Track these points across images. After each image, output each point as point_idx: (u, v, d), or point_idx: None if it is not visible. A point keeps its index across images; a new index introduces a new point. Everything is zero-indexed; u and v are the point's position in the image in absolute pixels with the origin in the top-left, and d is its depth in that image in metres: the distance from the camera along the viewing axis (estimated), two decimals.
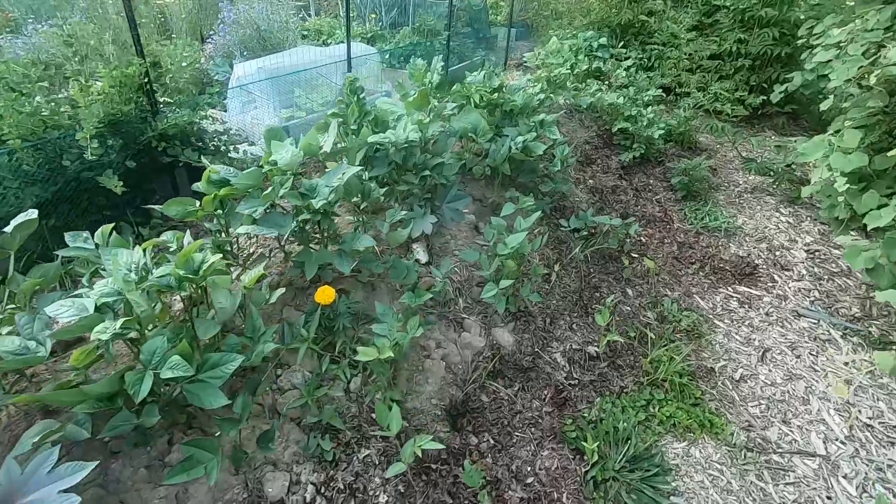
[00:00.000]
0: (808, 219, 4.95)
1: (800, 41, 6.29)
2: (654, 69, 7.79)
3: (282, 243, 2.56)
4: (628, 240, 3.67)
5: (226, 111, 5.42)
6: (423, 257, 2.85)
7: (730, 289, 3.80)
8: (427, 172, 2.86)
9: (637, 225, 3.75)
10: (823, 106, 4.51)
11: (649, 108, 5.09)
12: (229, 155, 4.62)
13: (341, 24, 8.74)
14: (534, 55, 6.18)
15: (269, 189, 2.18)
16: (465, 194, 3.07)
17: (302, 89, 5.72)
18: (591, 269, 3.58)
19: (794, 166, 5.41)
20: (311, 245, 2.41)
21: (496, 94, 3.76)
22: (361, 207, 2.78)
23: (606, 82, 6.42)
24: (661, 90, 7.63)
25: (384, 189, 2.71)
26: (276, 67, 5.43)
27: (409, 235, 2.67)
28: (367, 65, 6.84)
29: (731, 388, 2.98)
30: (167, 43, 5.51)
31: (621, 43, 8.67)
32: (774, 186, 5.26)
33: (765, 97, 6.84)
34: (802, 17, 6.62)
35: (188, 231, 2.22)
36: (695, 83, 6.71)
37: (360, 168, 2.46)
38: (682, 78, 7.24)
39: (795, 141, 5.74)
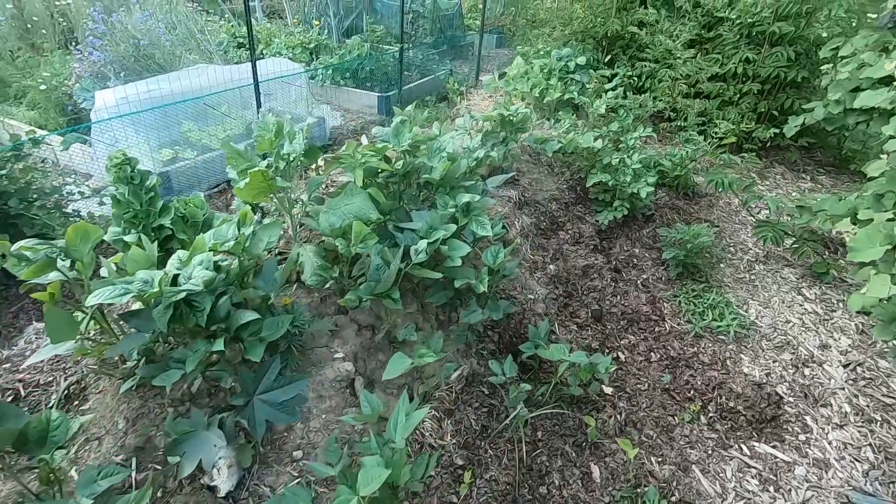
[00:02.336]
0: (840, 305, 3.77)
1: (822, 66, 5.12)
2: (645, 90, 6.60)
3: None
4: (596, 381, 2.46)
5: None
6: (225, 483, 1.62)
7: (745, 448, 2.60)
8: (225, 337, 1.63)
9: (611, 359, 2.52)
10: (873, 170, 3.31)
11: (635, 156, 3.88)
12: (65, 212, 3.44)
13: (282, 31, 7.47)
14: (492, 81, 4.97)
15: None
16: (302, 375, 1.83)
17: (195, 122, 4.47)
18: (539, 437, 2.36)
19: (819, 230, 4.22)
20: None
21: (401, 161, 2.53)
22: None
23: (588, 111, 5.20)
24: (651, 125, 6.47)
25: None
26: (152, 96, 4.18)
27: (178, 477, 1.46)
28: (295, 85, 5.59)
29: None
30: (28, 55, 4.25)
31: (608, 57, 7.49)
32: (794, 256, 4.07)
33: (777, 130, 5.67)
34: (824, 34, 5.45)
35: None
36: (694, 112, 5.51)
37: None
38: (677, 103, 6.05)
39: (817, 198, 4.54)
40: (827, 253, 4.33)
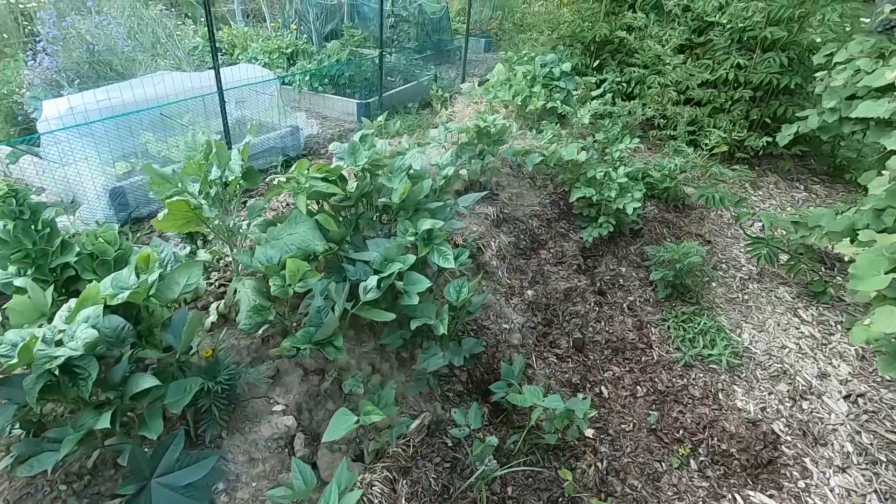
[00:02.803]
0: (839, 328, 3.54)
1: (817, 73, 4.92)
2: (634, 96, 6.39)
3: None
4: (573, 425, 2.20)
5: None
6: None
7: (739, 498, 2.35)
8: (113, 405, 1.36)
9: (591, 400, 2.27)
10: (875, 187, 3.09)
11: (621, 169, 3.64)
12: None
13: (260, 35, 7.20)
14: (472, 88, 4.73)
15: None
16: (211, 451, 1.56)
17: (156, 132, 4.19)
18: (510, 493, 2.10)
19: (815, 247, 4.01)
20: None
21: (357, 182, 2.28)
22: None
23: (572, 120, 4.96)
24: (640, 133, 6.26)
25: None
26: (107, 105, 3.89)
27: None
28: (266, 94, 5.33)
29: None
30: None
31: (596, 62, 7.29)
32: (789, 273, 3.84)
33: (769, 139, 5.47)
34: (818, 39, 5.26)
35: None
36: (684, 120, 5.29)
37: None
38: (667, 110, 5.83)
39: (811, 211, 4.29)
40: (823, 269, 4.11)
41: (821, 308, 3.71)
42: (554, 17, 7.36)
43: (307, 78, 6.39)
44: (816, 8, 5.10)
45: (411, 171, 2.46)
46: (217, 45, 7.52)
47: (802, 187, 5.92)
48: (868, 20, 7.66)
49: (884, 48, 4.31)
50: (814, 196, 5.73)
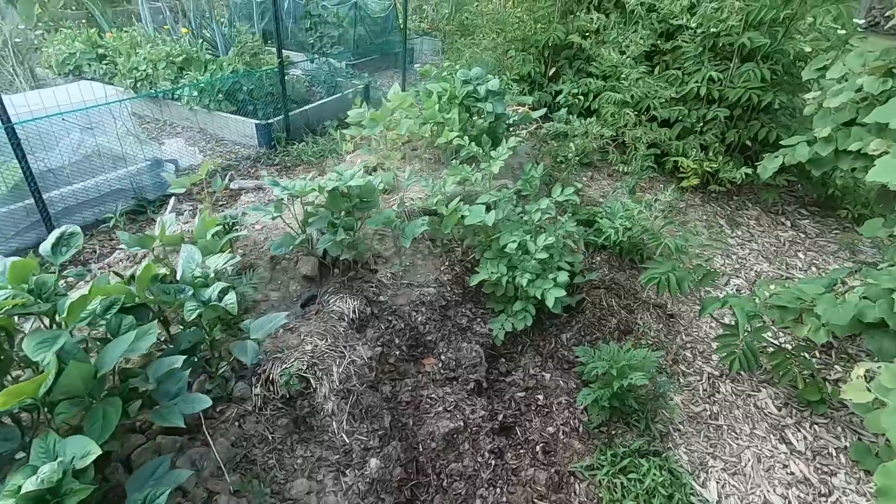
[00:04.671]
0: (843, 460, 2.54)
1: (809, 95, 3.90)
2: (594, 112, 5.37)
3: None
4: None
5: None
6: None
7: None
8: None
9: None
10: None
11: (542, 238, 2.59)
12: None
13: (148, 41, 6.01)
14: (360, 116, 3.62)
15: None
16: None
17: None
18: None
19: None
20: None
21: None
22: None
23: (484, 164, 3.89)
24: (598, 158, 5.27)
25: None
26: None
27: None
28: (122, 117, 4.19)
29: None
30: None
31: (552, 70, 6.25)
32: (774, 372, 2.83)
33: (749, 170, 4.47)
34: (808, 48, 4.25)
35: None
36: (641, 153, 4.26)
37: None
38: (627, 133, 4.81)
39: (800, 274, 3.26)
40: (818, 358, 3.12)
41: (816, 427, 2.71)
42: (501, 18, 6.28)
43: (196, 93, 5.25)
44: (805, 9, 4.09)
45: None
46: (104, 51, 6.35)
47: (789, 223, 4.94)
48: (863, 22, 6.72)
49: (894, 63, 3.30)
50: (802, 235, 4.75)
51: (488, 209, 2.76)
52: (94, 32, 6.36)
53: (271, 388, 1.99)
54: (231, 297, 1.58)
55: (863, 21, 5.94)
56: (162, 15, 7.73)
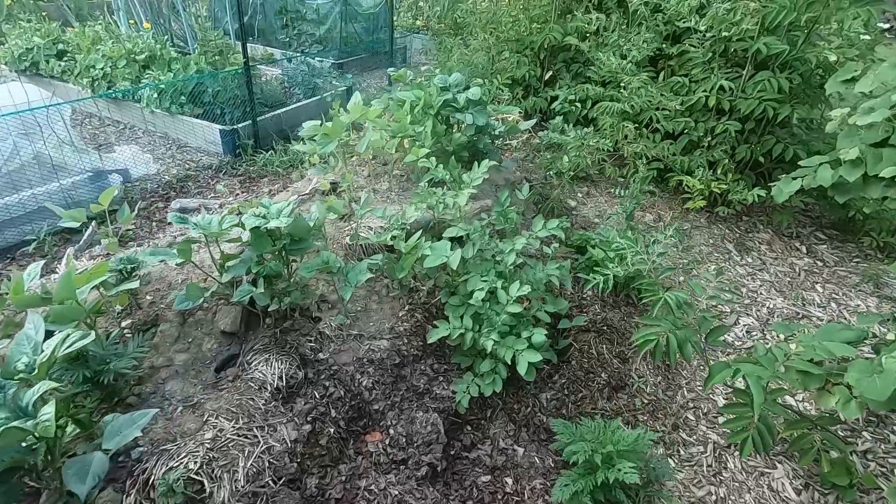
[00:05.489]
0: None
1: (834, 112, 3.42)
2: (592, 121, 4.92)
3: None
4: None
5: None
6: None
7: None
8: None
9: None
10: None
11: (514, 287, 2.13)
12: None
13: (112, 37, 5.55)
14: (311, 130, 3.12)
15: None
16: None
17: None
18: None
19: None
20: None
21: None
22: None
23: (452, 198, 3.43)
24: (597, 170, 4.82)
25: None
26: None
27: None
28: (56, 125, 3.74)
29: None
30: None
31: (548, 74, 5.78)
32: (792, 449, 2.37)
33: (763, 192, 3.99)
34: (832, 56, 3.76)
35: None
36: (640, 174, 3.78)
37: None
38: (626, 148, 4.34)
39: (825, 324, 2.79)
40: (845, 438, 2.65)
41: None
42: (494, 16, 5.81)
43: (155, 95, 4.80)
44: (831, 12, 3.60)
45: None
46: (65, 47, 5.90)
47: (804, 248, 4.46)
48: (885, 24, 6.20)
49: None
50: (819, 263, 4.27)
51: (456, 244, 2.30)
52: (56, 26, 5.90)
53: (151, 496, 1.54)
54: (48, 413, 1.13)
55: (886, 24, 5.46)
56: (143, 7, 7.28)
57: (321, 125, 2.87)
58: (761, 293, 3.84)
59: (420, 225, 2.96)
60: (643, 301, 2.08)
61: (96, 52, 5.23)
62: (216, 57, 4.89)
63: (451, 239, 2.44)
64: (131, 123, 5.20)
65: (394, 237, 2.36)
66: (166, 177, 4.26)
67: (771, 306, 3.69)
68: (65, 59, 5.63)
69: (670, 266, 2.66)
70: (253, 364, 2.01)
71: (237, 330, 2.09)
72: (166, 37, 5.44)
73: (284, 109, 5.38)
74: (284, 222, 1.88)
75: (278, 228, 1.95)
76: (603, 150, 4.26)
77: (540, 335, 2.10)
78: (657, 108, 4.23)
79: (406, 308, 2.53)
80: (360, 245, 2.57)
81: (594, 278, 2.28)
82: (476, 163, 2.98)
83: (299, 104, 5.59)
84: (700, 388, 2.84)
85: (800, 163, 3.62)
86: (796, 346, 2.42)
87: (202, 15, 6.17)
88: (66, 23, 6.24)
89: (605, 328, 3.07)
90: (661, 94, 4.19)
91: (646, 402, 2.65)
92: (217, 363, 2.02)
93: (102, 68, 5.02)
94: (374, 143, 2.99)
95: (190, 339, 2.03)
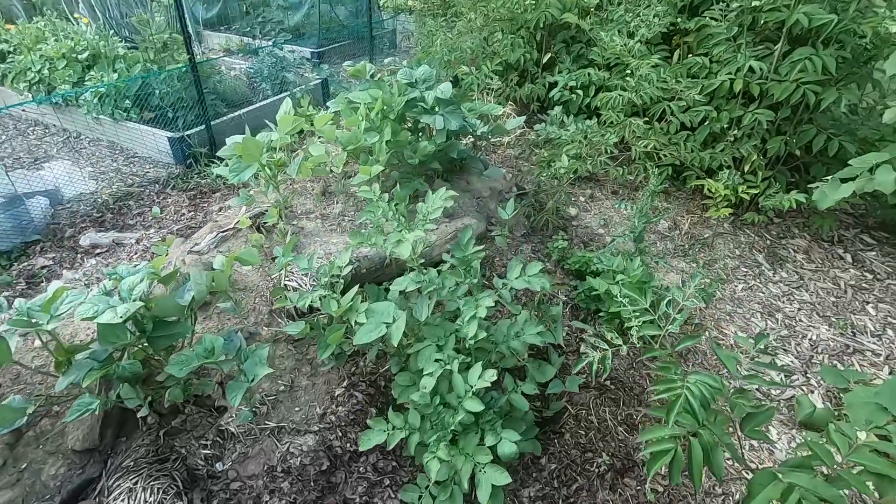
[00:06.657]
0: None
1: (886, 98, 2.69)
2: (595, 111, 4.27)
3: None
4: None
5: None
6: None
7: None
8: None
9: None
10: None
11: (474, 372, 1.55)
12: None
13: (57, 32, 4.97)
14: (230, 149, 2.50)
15: None
16: None
17: None
18: None
19: None
20: None
21: None
22: None
23: (398, 243, 2.80)
24: (604, 166, 4.20)
25: None
26: None
27: None
28: None
29: None
30: None
31: (546, 56, 5.09)
32: None
33: (802, 196, 3.30)
34: (893, 28, 3.02)
35: None
36: (652, 187, 3.10)
37: None
38: (635, 148, 3.68)
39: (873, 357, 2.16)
40: None
41: None
42: None
43: (96, 100, 4.23)
44: None
45: None
46: (5, 47, 5.35)
47: (849, 256, 3.77)
48: None
49: None
50: (868, 276, 3.59)
51: (395, 322, 1.70)
52: None
53: None
54: None
55: None
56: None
57: (243, 141, 2.26)
58: (800, 319, 3.19)
59: (373, 263, 2.37)
60: (657, 395, 1.48)
61: (37, 51, 4.66)
62: (157, 53, 4.28)
63: (402, 292, 1.85)
64: (77, 132, 4.65)
65: (321, 298, 1.77)
66: (104, 196, 3.71)
67: (814, 338, 3.05)
68: (8, 59, 5.08)
69: (692, 336, 2.03)
70: (115, 493, 1.46)
71: (95, 444, 1.54)
72: (111, 31, 4.84)
73: (248, 109, 4.78)
74: (133, 308, 1.31)
75: (138, 312, 1.38)
76: (608, 146, 3.62)
77: (509, 444, 1.51)
78: (671, 99, 3.54)
79: (346, 383, 1.96)
80: (279, 311, 1.99)
81: (585, 356, 1.67)
82: (448, 178, 2.37)
83: (265, 102, 4.98)
84: (729, 462, 2.24)
85: (850, 161, 2.92)
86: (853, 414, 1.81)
87: (162, 2, 5.52)
88: (9, 19, 5.67)
89: (608, 382, 2.48)
90: (677, 80, 3.49)
91: (660, 490, 2.06)
92: (63, 495, 1.47)
93: (39, 70, 4.46)
94: (316, 160, 2.38)
95: (24, 465, 1.48)
